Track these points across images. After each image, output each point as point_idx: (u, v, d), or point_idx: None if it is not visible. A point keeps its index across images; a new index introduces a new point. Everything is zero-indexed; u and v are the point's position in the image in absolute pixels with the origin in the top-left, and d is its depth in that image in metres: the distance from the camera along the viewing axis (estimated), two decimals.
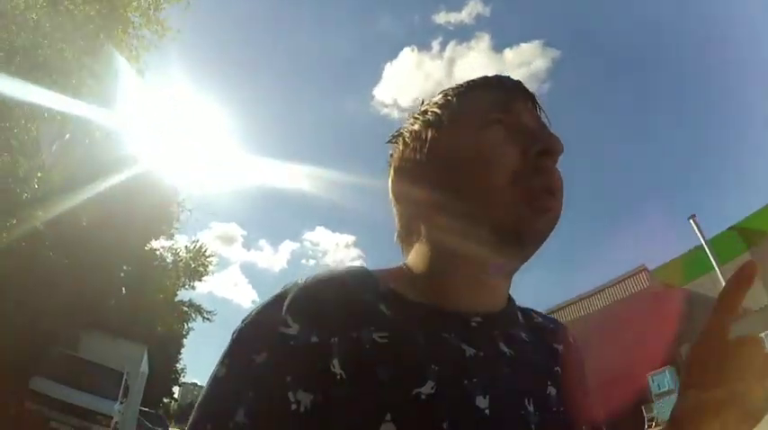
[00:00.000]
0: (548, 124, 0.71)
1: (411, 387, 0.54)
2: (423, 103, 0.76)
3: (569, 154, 0.67)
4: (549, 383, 0.64)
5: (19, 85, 8.51)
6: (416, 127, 0.73)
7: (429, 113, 0.73)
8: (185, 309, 23.60)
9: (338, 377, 0.53)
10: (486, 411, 0.56)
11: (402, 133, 0.75)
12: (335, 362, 0.54)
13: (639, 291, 16.77)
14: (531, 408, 0.59)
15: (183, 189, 19.00)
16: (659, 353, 14.43)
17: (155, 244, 18.48)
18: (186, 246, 20.51)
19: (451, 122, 0.69)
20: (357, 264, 0.78)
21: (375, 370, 0.55)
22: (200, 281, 21.23)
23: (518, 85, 0.72)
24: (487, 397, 0.57)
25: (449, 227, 0.66)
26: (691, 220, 17.55)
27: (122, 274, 15.54)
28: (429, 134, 0.71)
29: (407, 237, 0.72)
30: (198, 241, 20.42)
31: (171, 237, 19.32)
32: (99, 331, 12.66)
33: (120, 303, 14.76)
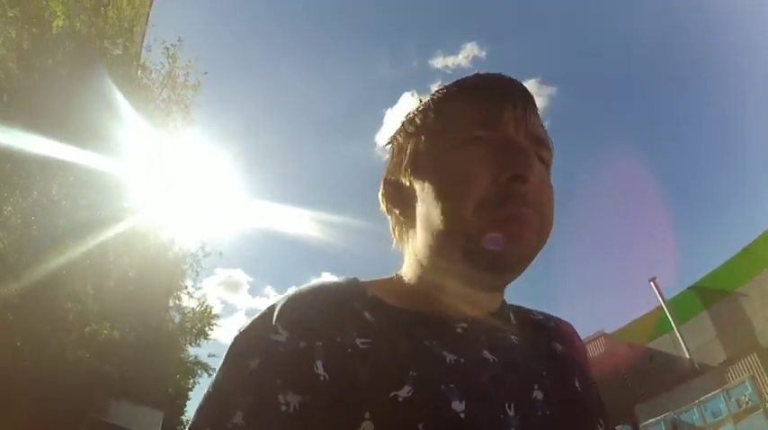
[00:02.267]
0: (541, 128, 0.71)
1: (389, 389, 0.56)
2: (412, 111, 0.76)
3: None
4: (535, 387, 0.64)
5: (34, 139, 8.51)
6: (400, 139, 0.75)
7: (412, 124, 0.74)
8: (191, 366, 23.89)
9: (321, 378, 0.57)
10: (462, 414, 0.57)
11: (392, 141, 0.78)
12: (319, 364, 0.57)
13: (597, 355, 18.32)
14: (511, 413, 0.60)
15: (188, 239, 18.99)
16: (617, 413, 15.95)
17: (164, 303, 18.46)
18: (193, 309, 20.42)
19: (431, 136, 0.70)
20: None
21: (356, 372, 0.57)
22: (205, 339, 21.05)
23: (509, 89, 0.70)
24: (464, 401, 0.58)
25: (429, 245, 0.67)
26: (651, 283, 19.12)
27: (137, 338, 15.29)
28: (409, 148, 0.72)
29: (401, 245, 0.75)
30: (205, 301, 20.24)
31: (178, 298, 19.31)
32: (125, 399, 14.17)
33: (140, 367, 15.09)
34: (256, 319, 0.64)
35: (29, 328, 9.17)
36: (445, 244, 0.65)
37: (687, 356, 17.50)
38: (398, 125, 0.78)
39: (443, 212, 0.65)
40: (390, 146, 0.78)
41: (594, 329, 19.34)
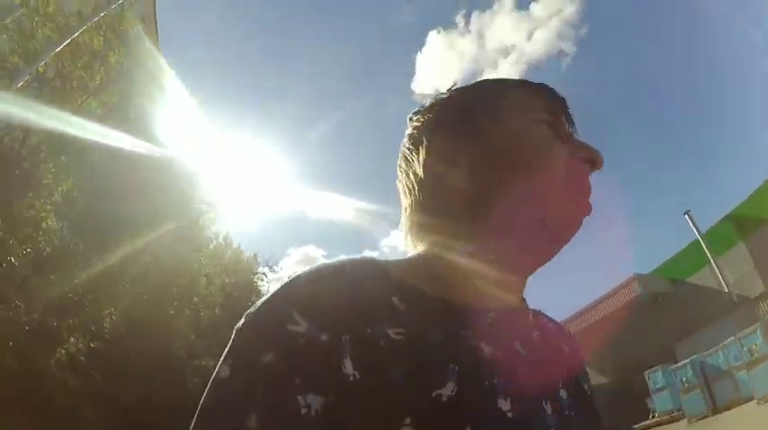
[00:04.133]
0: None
1: (431, 388, 0.52)
2: (452, 87, 0.74)
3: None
4: (560, 386, 0.64)
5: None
6: (449, 110, 0.70)
7: (466, 92, 0.72)
8: None
9: (351, 378, 0.51)
10: (509, 414, 0.54)
11: (437, 106, 0.72)
12: (347, 362, 0.51)
13: (631, 299, 18.23)
14: (548, 410, 0.59)
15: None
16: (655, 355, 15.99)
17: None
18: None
19: (503, 114, 0.68)
20: None
21: (391, 369, 0.52)
22: None
23: (563, 100, 0.72)
24: (509, 399, 0.55)
25: (473, 223, 0.64)
26: (686, 216, 18.88)
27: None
28: (481, 121, 0.68)
29: (416, 234, 0.69)
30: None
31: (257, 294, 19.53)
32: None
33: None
34: (267, 304, 0.56)
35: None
36: (516, 209, 0.64)
37: (726, 290, 17.23)
38: (436, 103, 0.73)
39: (531, 176, 0.64)
40: (436, 108, 0.72)
41: (626, 275, 19.13)
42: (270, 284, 19.99)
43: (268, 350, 0.51)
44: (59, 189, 8.52)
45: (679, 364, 14.01)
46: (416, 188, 0.69)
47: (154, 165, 10.83)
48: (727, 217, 18.69)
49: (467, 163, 0.66)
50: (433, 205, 0.68)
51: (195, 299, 10.77)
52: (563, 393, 0.63)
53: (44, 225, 7.75)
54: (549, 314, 0.80)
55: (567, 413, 0.61)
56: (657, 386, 14.88)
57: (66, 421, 6.97)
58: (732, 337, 12.27)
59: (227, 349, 0.55)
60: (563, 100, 0.71)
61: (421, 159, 0.69)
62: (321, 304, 0.55)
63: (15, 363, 6.18)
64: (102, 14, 8.99)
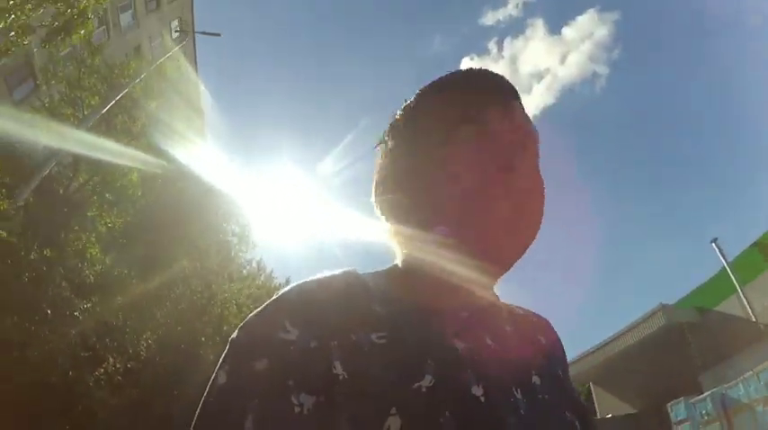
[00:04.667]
0: (527, 119, 0.73)
1: (411, 381, 0.57)
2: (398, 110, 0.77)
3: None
4: (533, 373, 0.68)
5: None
6: (386, 137, 0.76)
7: (396, 122, 0.76)
8: None
9: (341, 378, 0.56)
10: (482, 398, 0.59)
11: (383, 139, 0.77)
12: (337, 364, 0.57)
13: (656, 329, 18.17)
14: (519, 396, 0.63)
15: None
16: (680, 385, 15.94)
17: None
18: None
19: (415, 136, 0.72)
20: None
21: (375, 368, 0.58)
22: None
23: (492, 83, 0.72)
24: (481, 385, 0.60)
25: (420, 242, 0.69)
26: (713, 244, 18.80)
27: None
28: (393, 145, 0.74)
29: (393, 238, 0.75)
30: None
31: None
32: None
33: None
34: (260, 315, 0.62)
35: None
36: (434, 236, 0.67)
37: (753, 319, 17.12)
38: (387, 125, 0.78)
39: (437, 203, 0.67)
40: (379, 148, 0.78)
41: (655, 302, 19.12)
42: None
43: (262, 357, 0.56)
44: (104, 222, 9.38)
45: (700, 397, 13.99)
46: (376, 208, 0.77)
47: (189, 195, 11.47)
48: (755, 244, 18.60)
49: (390, 191, 0.73)
50: (395, 216, 0.74)
51: (225, 328, 11.45)
52: (535, 379, 0.68)
53: (88, 255, 8.54)
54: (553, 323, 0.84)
55: (540, 396, 0.66)
56: (679, 418, 14.79)
57: None
58: (750, 371, 12.20)
59: (222, 357, 0.59)
60: (491, 86, 0.72)
61: (372, 196, 0.77)
62: (310, 314, 0.60)
63: (61, 381, 6.94)
64: (142, 75, 9.89)
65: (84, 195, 9.12)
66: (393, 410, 0.55)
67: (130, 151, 9.76)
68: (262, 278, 19.31)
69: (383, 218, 0.76)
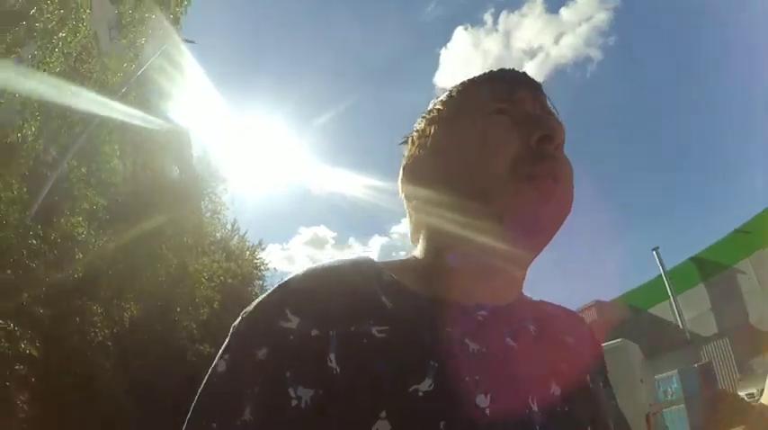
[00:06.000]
0: (555, 112, 0.73)
1: (408, 383, 0.54)
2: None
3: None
4: (553, 382, 0.63)
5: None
6: (422, 125, 0.77)
7: (433, 110, 0.76)
8: None
9: (335, 372, 0.54)
10: (487, 411, 0.55)
11: (411, 134, 0.78)
12: (332, 356, 0.54)
13: (589, 322, 19.79)
14: (534, 408, 0.58)
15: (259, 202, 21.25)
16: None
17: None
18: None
19: (454, 115, 0.72)
20: None
21: (372, 365, 0.54)
22: None
23: (521, 75, 0.74)
24: (489, 395, 0.56)
25: (453, 219, 0.66)
26: (654, 252, 20.54)
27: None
28: (432, 130, 0.74)
29: (416, 234, 0.74)
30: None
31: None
32: None
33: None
34: (263, 302, 0.60)
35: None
36: (476, 211, 0.65)
37: (680, 326, 18.85)
38: (419, 118, 0.78)
39: (479, 174, 0.65)
40: (409, 137, 0.78)
41: (592, 298, 20.72)
42: (268, 274, 21.43)
43: (262, 346, 0.55)
44: (89, 202, 9.79)
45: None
46: (405, 202, 0.78)
47: (170, 147, 12.17)
48: (692, 258, 20.40)
49: (427, 173, 0.72)
50: (412, 221, 0.76)
51: (196, 300, 12.53)
52: (556, 389, 0.62)
53: (75, 233, 9.08)
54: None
55: (559, 409, 0.61)
56: None
57: (106, 396, 8.73)
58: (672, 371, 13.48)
59: (224, 345, 0.58)
60: (520, 77, 0.74)
61: (399, 178, 0.78)
62: (312, 302, 0.58)
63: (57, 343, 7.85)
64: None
65: (72, 179, 9.54)
66: (383, 414, 0.52)
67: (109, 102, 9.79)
68: (235, 239, 20.16)
69: (411, 204, 0.75)
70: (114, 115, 10.01)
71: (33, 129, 8.39)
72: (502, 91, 0.72)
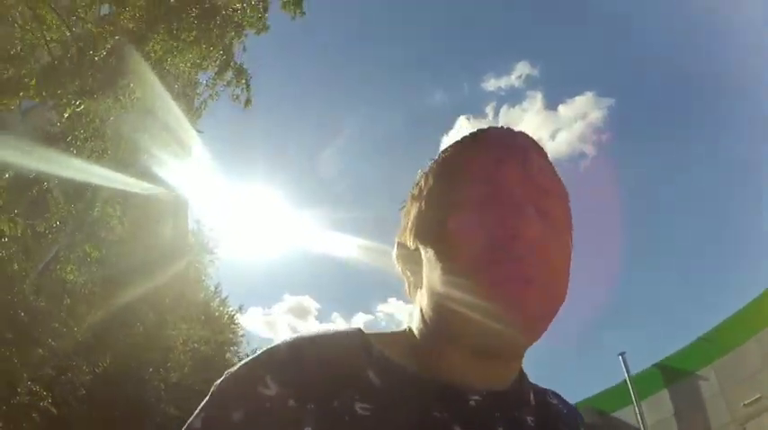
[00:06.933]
0: (551, 179, 0.69)
1: None
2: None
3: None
4: None
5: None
6: (408, 202, 0.75)
7: (416, 186, 0.74)
8: None
9: None
10: None
11: (405, 204, 0.77)
12: None
13: None
14: None
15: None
16: None
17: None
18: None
19: (430, 198, 0.69)
20: None
21: None
22: None
23: (511, 142, 0.69)
24: None
25: (432, 310, 0.65)
26: (620, 357, 21.09)
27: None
28: (413, 211, 0.72)
29: (413, 297, 0.72)
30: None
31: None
32: None
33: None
34: (247, 364, 0.60)
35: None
36: (445, 311, 0.63)
37: None
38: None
39: (442, 275, 0.63)
40: (404, 207, 0.77)
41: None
42: (244, 340, 21.25)
43: (238, 408, 0.55)
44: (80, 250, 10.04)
45: None
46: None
47: (167, 214, 12.70)
48: (656, 365, 21.05)
49: (414, 257, 0.71)
50: (410, 291, 0.74)
51: (168, 364, 12.89)
52: None
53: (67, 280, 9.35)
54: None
55: None
56: None
57: None
58: None
59: (202, 403, 0.58)
60: (508, 144, 0.69)
61: (394, 252, 0.75)
62: (294, 371, 0.57)
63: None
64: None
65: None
66: None
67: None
68: (216, 302, 20.08)
69: (404, 272, 0.74)
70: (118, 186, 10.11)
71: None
72: (481, 169, 0.67)
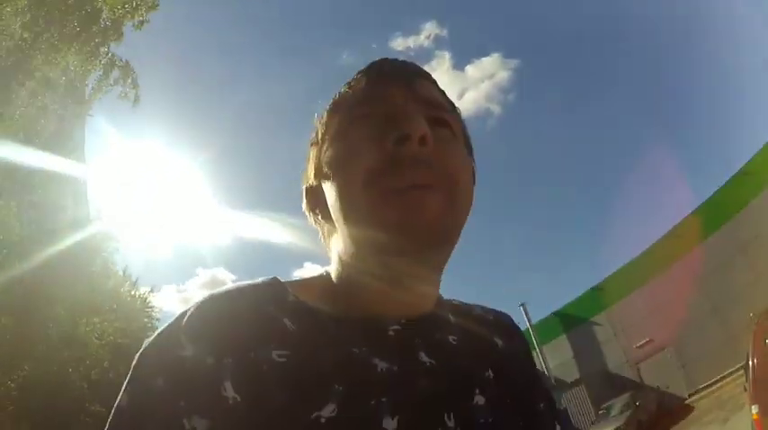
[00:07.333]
0: (438, 93, 0.68)
1: (310, 410, 0.52)
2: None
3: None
4: (477, 391, 0.61)
5: None
6: (308, 149, 0.74)
7: (312, 133, 0.73)
8: None
9: (230, 401, 0.51)
10: None
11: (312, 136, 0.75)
12: (227, 385, 0.52)
13: None
14: (450, 424, 0.56)
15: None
16: None
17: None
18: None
19: (326, 130, 0.69)
20: None
21: (271, 392, 0.52)
22: None
23: (391, 67, 0.69)
24: (396, 418, 0.53)
25: (342, 240, 0.65)
26: (521, 307, 22.90)
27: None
28: (312, 151, 0.72)
29: (327, 248, 0.72)
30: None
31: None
32: None
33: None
34: (163, 331, 0.58)
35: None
36: (349, 233, 0.62)
37: (546, 373, 20.95)
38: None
39: (338, 198, 0.62)
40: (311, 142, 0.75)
41: None
42: (161, 322, 20.72)
43: (158, 375, 0.53)
44: None
45: None
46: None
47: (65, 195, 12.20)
48: (555, 313, 22.95)
49: (313, 194, 0.71)
50: (323, 236, 0.74)
51: (87, 361, 12.64)
52: (479, 399, 0.61)
53: None
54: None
55: (482, 421, 0.59)
56: None
57: None
58: None
59: (127, 378, 0.56)
60: (395, 68, 0.69)
61: (303, 203, 0.74)
62: (208, 328, 0.55)
63: None
64: None
65: None
66: None
67: None
68: (126, 286, 18.98)
69: (311, 215, 0.73)
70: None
71: None
72: (368, 91, 0.66)
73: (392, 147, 0.59)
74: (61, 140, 12.41)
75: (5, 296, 10.18)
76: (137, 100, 12.26)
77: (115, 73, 11.80)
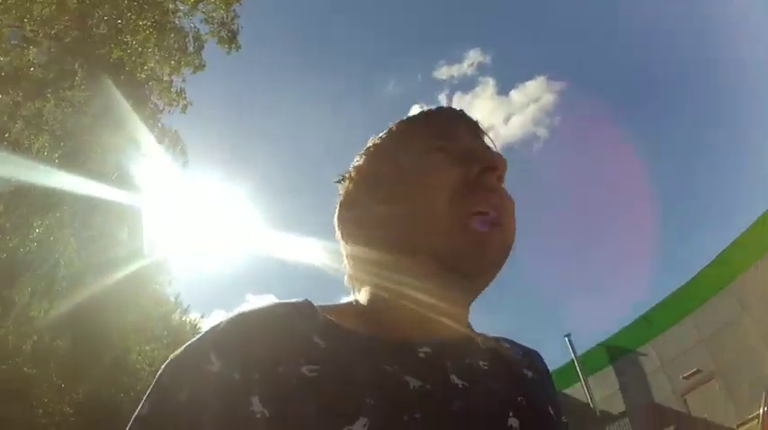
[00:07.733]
0: (494, 147, 0.73)
1: (340, 424, 0.52)
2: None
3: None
4: (510, 414, 0.62)
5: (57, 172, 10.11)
6: (361, 162, 0.76)
7: (371, 147, 0.76)
8: None
9: (258, 415, 0.52)
10: None
11: (349, 172, 0.77)
12: (255, 399, 0.53)
13: None
14: None
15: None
16: None
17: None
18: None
19: (392, 152, 0.72)
20: None
21: (302, 406, 0.53)
22: None
23: (458, 112, 0.75)
24: None
25: (392, 258, 0.66)
26: (566, 338, 22.55)
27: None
28: (373, 167, 0.74)
29: (355, 276, 0.73)
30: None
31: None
32: None
33: None
34: (191, 345, 0.59)
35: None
36: (413, 249, 0.64)
37: (592, 406, 20.52)
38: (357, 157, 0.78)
39: (417, 211, 0.64)
40: (347, 175, 0.78)
41: None
42: None
43: (183, 389, 0.54)
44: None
45: None
46: (341, 241, 0.76)
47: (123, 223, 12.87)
48: (601, 344, 22.51)
49: (365, 209, 0.72)
50: (348, 262, 0.75)
51: (138, 387, 12.96)
52: (513, 421, 0.61)
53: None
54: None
55: None
56: None
57: None
58: None
59: (150, 388, 0.57)
60: (457, 114, 0.75)
61: (335, 215, 0.77)
62: (236, 344, 0.56)
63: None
64: None
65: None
66: None
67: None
68: (177, 313, 19.97)
69: (347, 240, 0.74)
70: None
71: None
72: (440, 128, 0.72)
73: (476, 175, 0.66)
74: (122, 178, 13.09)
75: (63, 321, 10.73)
76: (185, 164, 13.85)
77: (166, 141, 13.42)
